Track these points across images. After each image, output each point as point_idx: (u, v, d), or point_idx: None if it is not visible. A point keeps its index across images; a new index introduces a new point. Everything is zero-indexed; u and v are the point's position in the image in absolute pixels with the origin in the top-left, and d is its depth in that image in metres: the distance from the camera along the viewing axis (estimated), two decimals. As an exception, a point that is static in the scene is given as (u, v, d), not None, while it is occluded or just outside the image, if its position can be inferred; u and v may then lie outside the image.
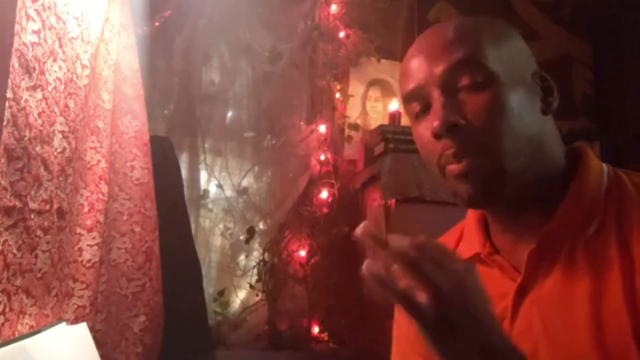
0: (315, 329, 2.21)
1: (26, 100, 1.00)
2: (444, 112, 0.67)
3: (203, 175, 2.28)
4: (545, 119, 0.71)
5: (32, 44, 1.02)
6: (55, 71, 1.11)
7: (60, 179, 1.14)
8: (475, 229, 0.77)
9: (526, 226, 0.71)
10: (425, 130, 0.70)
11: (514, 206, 0.70)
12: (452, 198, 0.71)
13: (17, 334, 0.99)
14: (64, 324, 1.09)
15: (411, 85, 0.71)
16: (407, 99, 0.73)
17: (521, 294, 0.69)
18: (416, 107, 0.72)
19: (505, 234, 0.73)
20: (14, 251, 0.99)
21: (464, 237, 0.80)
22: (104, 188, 1.32)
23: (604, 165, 0.73)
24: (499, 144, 0.66)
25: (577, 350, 0.63)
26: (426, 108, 0.70)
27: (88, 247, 1.27)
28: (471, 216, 0.80)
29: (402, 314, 0.84)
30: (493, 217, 0.75)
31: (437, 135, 0.68)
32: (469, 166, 0.67)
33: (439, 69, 0.68)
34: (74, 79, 1.19)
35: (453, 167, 0.68)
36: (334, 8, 2.37)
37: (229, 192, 2.29)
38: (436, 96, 0.68)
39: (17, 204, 0.99)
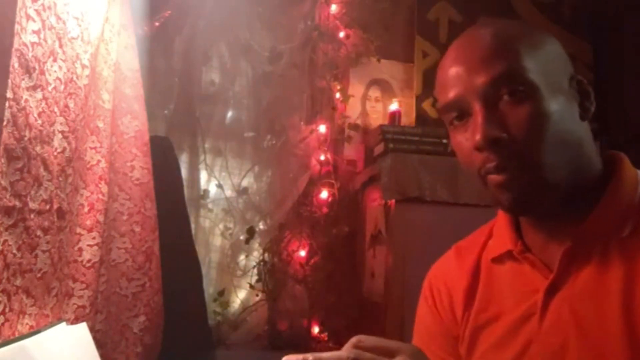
0: (315, 329, 2.21)
1: (26, 100, 1.00)
2: (486, 126, 0.67)
3: (203, 175, 2.29)
4: (583, 124, 0.72)
5: (32, 44, 1.02)
6: (55, 71, 1.11)
7: (60, 179, 1.14)
8: (507, 227, 0.78)
9: (560, 226, 0.72)
10: (465, 140, 0.71)
11: (550, 209, 0.71)
12: (493, 203, 0.73)
13: (17, 334, 0.99)
14: (64, 324, 1.09)
15: (451, 95, 0.71)
16: (445, 108, 0.73)
17: (552, 291, 0.70)
18: (453, 114, 0.73)
19: (538, 232, 0.75)
20: (14, 251, 0.99)
21: (495, 235, 0.82)
22: (104, 188, 1.32)
23: (639, 173, 0.74)
24: (540, 157, 0.67)
25: (608, 345, 0.64)
26: (463, 116, 0.71)
27: (88, 247, 1.27)
28: (503, 214, 0.81)
29: (424, 308, 0.87)
30: (526, 218, 0.76)
31: (479, 149, 0.69)
32: (509, 179, 0.68)
33: (479, 81, 0.69)
34: (74, 79, 1.19)
35: (494, 177, 0.69)
36: (334, 8, 2.37)
37: (229, 192, 2.29)
38: (477, 108, 0.69)
39: (17, 204, 0.99)
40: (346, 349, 0.58)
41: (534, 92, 0.67)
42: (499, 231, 0.80)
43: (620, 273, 0.66)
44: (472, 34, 0.74)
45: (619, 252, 0.67)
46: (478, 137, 0.68)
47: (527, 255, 0.75)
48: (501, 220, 0.81)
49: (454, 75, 0.71)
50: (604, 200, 0.70)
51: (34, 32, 1.03)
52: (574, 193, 0.70)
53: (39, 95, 1.05)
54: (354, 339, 0.59)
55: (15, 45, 0.97)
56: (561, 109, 0.69)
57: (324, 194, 2.27)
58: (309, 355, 0.57)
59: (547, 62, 0.70)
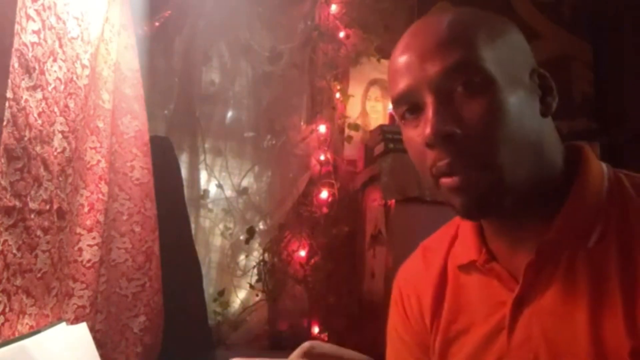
0: (315, 329, 2.21)
1: (26, 100, 1.00)
2: (437, 120, 0.62)
3: (203, 175, 2.29)
4: (544, 121, 0.67)
5: (32, 44, 1.02)
6: (55, 71, 1.11)
7: (60, 179, 1.14)
8: (471, 233, 0.74)
9: (524, 232, 0.67)
10: (417, 136, 0.66)
11: (511, 213, 0.66)
12: (447, 205, 0.67)
13: (17, 334, 0.99)
14: (64, 324, 1.09)
15: (401, 86, 0.66)
16: (396, 101, 0.68)
17: (519, 304, 0.66)
18: (404, 107, 0.67)
19: (502, 239, 0.70)
20: (14, 251, 0.99)
21: (459, 238, 0.77)
22: (104, 188, 1.32)
23: (604, 167, 0.69)
24: (497, 155, 0.61)
25: None
26: (415, 109, 0.66)
27: (88, 247, 1.27)
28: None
29: (395, 314, 0.84)
30: (488, 223, 0.72)
31: (429, 145, 0.63)
32: (462, 181, 0.62)
33: (432, 70, 0.63)
34: (74, 79, 1.19)
35: (446, 181, 0.64)
36: (334, 8, 2.37)
37: (229, 192, 2.29)
38: (429, 101, 0.63)
39: (17, 204, 0.99)
40: (296, 356, 0.55)
41: (490, 83, 0.61)
42: (464, 236, 0.75)
43: (586, 287, 0.62)
44: (426, 21, 0.67)
45: (584, 263, 0.63)
46: (428, 131, 0.62)
47: (492, 266, 0.70)
48: (465, 224, 0.75)
49: (405, 64, 0.65)
50: (567, 205, 0.65)
51: (34, 32, 1.03)
52: (536, 195, 0.66)
53: (39, 95, 1.05)
54: (306, 344, 0.56)
55: (15, 45, 0.97)
56: (520, 103, 0.63)
57: (324, 194, 2.27)
58: None
59: (507, 53, 0.64)
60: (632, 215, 0.63)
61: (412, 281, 0.82)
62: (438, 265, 0.78)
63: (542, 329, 0.64)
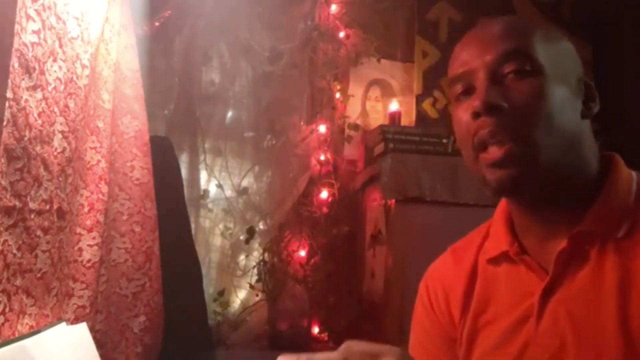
0: (315, 329, 2.21)
1: (26, 100, 1.00)
2: (487, 93, 0.68)
3: (203, 175, 2.29)
4: (583, 122, 0.72)
5: (32, 44, 1.02)
6: (55, 71, 1.11)
7: (60, 179, 1.14)
8: (503, 229, 0.78)
9: (555, 226, 0.71)
10: (465, 111, 0.71)
11: (544, 203, 0.71)
12: (481, 184, 0.72)
13: (17, 334, 0.99)
14: (64, 324, 1.09)
15: (459, 69, 0.72)
16: (452, 81, 0.74)
17: (548, 293, 0.70)
18: (459, 88, 0.73)
19: (533, 233, 0.74)
20: (14, 251, 0.98)
21: (491, 235, 0.81)
22: (104, 188, 1.32)
23: (633, 174, 0.75)
24: (536, 133, 0.67)
25: (605, 347, 0.64)
26: (469, 90, 0.72)
27: (88, 247, 1.27)
28: (498, 216, 0.80)
29: (420, 307, 0.87)
30: (521, 215, 0.75)
31: (476, 114, 0.69)
32: (501, 155, 0.67)
33: (488, 57, 0.70)
34: (74, 79, 1.19)
35: (486, 156, 0.68)
36: (334, 8, 2.38)
37: (229, 192, 2.29)
38: (481, 78, 0.69)
39: (17, 204, 0.99)
40: (339, 352, 0.58)
41: (539, 71, 0.68)
42: (495, 232, 0.80)
43: (615, 274, 0.66)
44: (488, 20, 0.75)
45: (614, 253, 0.67)
46: (477, 102, 0.68)
47: (523, 257, 0.74)
48: (497, 221, 0.80)
49: (466, 52, 0.72)
50: (600, 200, 0.70)
51: (34, 32, 1.03)
52: (570, 191, 0.70)
53: (39, 95, 1.05)
54: (345, 344, 0.59)
55: (15, 45, 0.97)
56: (564, 97, 0.69)
57: (324, 194, 2.27)
58: (303, 356, 0.58)
59: (557, 54, 0.71)
60: None
61: (440, 277, 0.85)
62: (469, 261, 0.82)
63: (569, 314, 0.68)
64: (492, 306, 0.77)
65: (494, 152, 0.68)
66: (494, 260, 0.78)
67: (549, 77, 0.68)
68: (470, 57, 0.71)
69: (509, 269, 0.76)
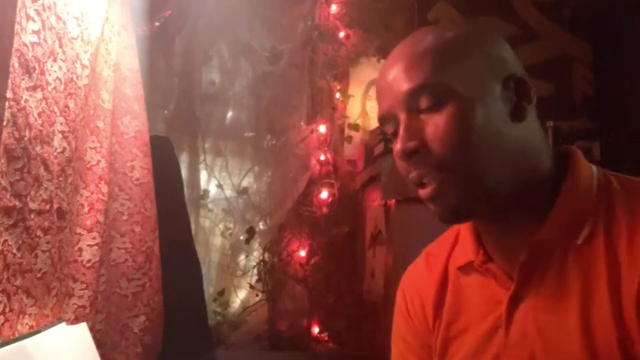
0: (315, 329, 2.21)
1: (26, 100, 1.00)
2: (404, 138, 0.67)
3: (203, 175, 2.29)
4: (520, 125, 0.68)
5: (32, 44, 1.02)
6: (55, 71, 1.11)
7: (60, 179, 1.14)
8: (470, 237, 0.76)
9: (517, 233, 0.70)
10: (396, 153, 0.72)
11: (501, 215, 0.69)
12: None
13: (17, 334, 0.99)
14: (64, 324, 1.09)
15: (382, 110, 0.72)
16: (380, 122, 0.74)
17: (515, 303, 0.69)
18: (389, 129, 0.72)
19: (496, 240, 0.73)
20: (14, 251, 0.99)
21: (459, 241, 0.80)
22: (104, 188, 1.32)
23: (594, 169, 0.72)
24: (464, 163, 0.65)
25: (570, 357, 0.64)
26: (396, 132, 0.71)
27: (88, 247, 1.27)
28: (466, 223, 0.79)
29: (398, 316, 0.86)
30: (484, 225, 0.74)
31: (401, 160, 0.69)
32: (433, 191, 0.67)
33: (402, 91, 0.68)
34: (74, 79, 1.19)
35: (421, 192, 0.69)
36: (334, 8, 2.38)
37: (229, 192, 2.29)
38: (401, 119, 0.69)
39: (17, 204, 0.99)
40: None
41: (452, 97, 0.66)
42: (463, 238, 0.79)
43: (577, 283, 0.65)
44: (402, 44, 0.73)
45: (575, 261, 0.66)
46: (397, 147, 0.68)
47: (488, 267, 0.73)
48: (465, 228, 0.79)
49: (384, 87, 0.71)
50: (558, 204, 0.68)
51: (34, 32, 1.03)
52: (524, 197, 0.68)
53: (39, 95, 1.05)
54: None
55: (15, 45, 0.97)
56: (487, 112, 0.66)
57: (324, 194, 2.27)
58: None
59: (472, 68, 0.68)
60: (619, 214, 0.66)
61: (415, 284, 0.84)
62: (440, 268, 0.81)
63: (537, 325, 0.67)
64: (464, 315, 0.76)
65: (426, 191, 0.68)
66: (463, 269, 0.77)
67: (467, 98, 0.66)
68: (388, 93, 0.70)
69: (478, 278, 0.75)
